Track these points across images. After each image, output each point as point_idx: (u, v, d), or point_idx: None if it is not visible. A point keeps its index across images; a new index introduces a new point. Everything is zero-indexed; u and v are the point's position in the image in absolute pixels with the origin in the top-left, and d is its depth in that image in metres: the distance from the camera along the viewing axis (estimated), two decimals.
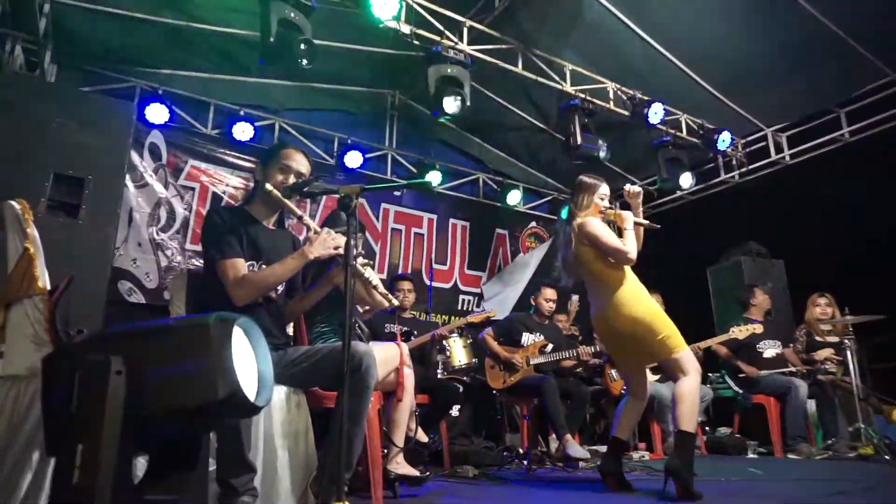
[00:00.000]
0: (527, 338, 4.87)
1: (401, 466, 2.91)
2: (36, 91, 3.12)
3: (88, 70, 5.27)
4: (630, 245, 3.08)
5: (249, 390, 1.41)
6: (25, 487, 1.54)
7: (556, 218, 8.23)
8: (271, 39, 3.75)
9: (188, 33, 5.16)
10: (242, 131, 5.82)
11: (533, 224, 8.26)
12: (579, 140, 5.24)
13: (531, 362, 4.73)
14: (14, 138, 2.99)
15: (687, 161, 6.25)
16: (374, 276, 2.36)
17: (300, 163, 2.40)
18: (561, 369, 5.05)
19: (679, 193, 7.40)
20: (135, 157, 5.38)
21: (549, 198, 8.27)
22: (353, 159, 6.39)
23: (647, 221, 3.29)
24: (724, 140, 6.19)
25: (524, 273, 7.90)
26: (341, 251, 2.22)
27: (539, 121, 6.95)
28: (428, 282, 6.97)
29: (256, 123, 5.96)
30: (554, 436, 4.90)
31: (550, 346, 4.88)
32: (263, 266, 2.29)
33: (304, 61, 3.78)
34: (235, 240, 2.22)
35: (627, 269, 3.19)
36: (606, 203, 3.31)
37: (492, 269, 7.79)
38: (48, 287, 1.78)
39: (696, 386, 2.98)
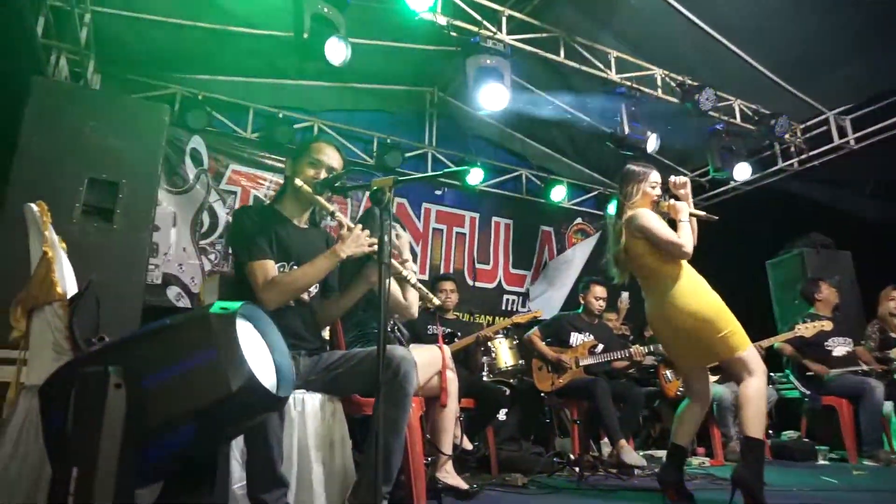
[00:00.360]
0: (575, 338, 4.66)
1: (450, 476, 2.77)
2: (68, 95, 3.12)
3: (131, 78, 5.32)
4: (685, 238, 2.86)
5: (267, 381, 1.28)
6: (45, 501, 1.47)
7: (602, 213, 7.98)
8: (305, 36, 3.66)
9: (226, 37, 5.14)
10: (282, 134, 5.79)
11: (579, 220, 8.03)
12: (626, 130, 5.00)
13: (581, 363, 4.52)
14: (48, 143, 2.98)
15: (742, 149, 5.90)
16: (412, 275, 2.22)
17: (331, 157, 2.29)
18: (612, 370, 4.81)
19: (733, 184, 7.04)
20: (176, 163, 5.45)
21: (595, 192, 8.01)
22: (393, 159, 6.29)
23: (703, 213, 3.06)
24: (782, 125, 5.82)
25: (569, 270, 7.68)
26: (368, 249, 2.09)
27: (583, 112, 6.70)
28: (471, 282, 6.86)
29: (296, 126, 5.95)
30: (606, 440, 4.68)
31: (601, 347, 4.66)
32: (294, 267, 2.19)
33: (340, 54, 3.67)
34: (264, 240, 2.12)
35: (684, 262, 2.98)
36: (658, 192, 3.09)
37: (537, 268, 7.59)
38: (68, 292, 1.71)
39: (762, 387, 2.75)
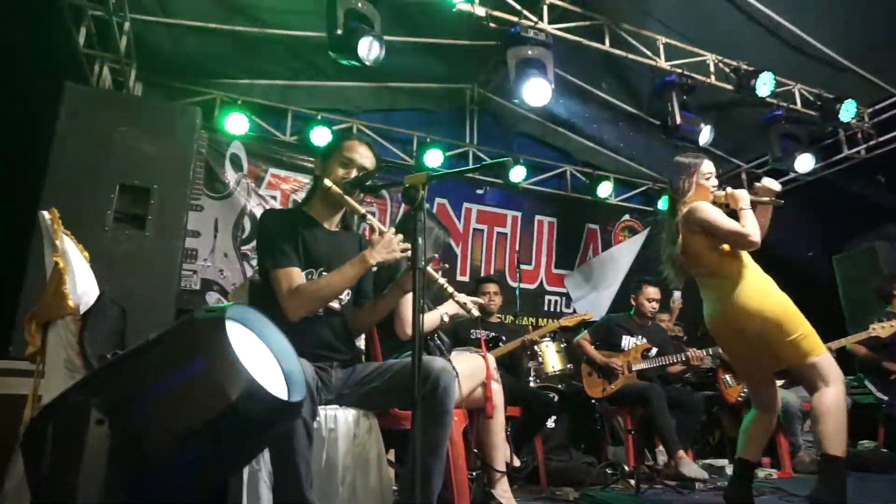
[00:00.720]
0: (627, 341, 4.41)
1: (506, 497, 2.58)
2: (100, 100, 3.08)
3: (171, 86, 5.35)
4: (751, 226, 2.61)
5: (274, 386, 1.14)
6: None
7: (651, 209, 7.66)
8: (339, 32, 3.55)
9: (263, 40, 5.11)
10: (320, 136, 5.72)
11: (626, 217, 7.71)
12: (678, 120, 4.71)
13: (633, 368, 4.27)
14: (80, 149, 2.95)
15: (804, 137, 5.52)
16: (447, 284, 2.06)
17: (363, 155, 2.14)
18: (667, 375, 4.55)
19: (792, 175, 6.61)
20: (217, 168, 5.45)
21: (644, 188, 7.68)
22: (433, 158, 6.15)
23: (767, 198, 2.81)
24: (848, 110, 5.40)
25: (616, 269, 7.37)
26: (400, 255, 1.94)
27: (630, 105, 6.42)
28: (513, 283, 6.65)
29: (334, 127, 5.87)
30: (661, 447, 4.42)
31: (654, 350, 4.40)
32: (323, 274, 2.05)
33: (373, 52, 3.53)
34: (290, 246, 2.00)
35: (748, 258, 2.73)
36: (714, 182, 2.85)
37: (579, 268, 7.33)
38: (85, 304, 1.61)
39: (841, 397, 2.49)
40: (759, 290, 2.62)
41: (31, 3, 4.19)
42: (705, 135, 4.93)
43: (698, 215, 2.70)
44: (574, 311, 7.09)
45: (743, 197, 2.71)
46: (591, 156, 7.34)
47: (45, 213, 1.70)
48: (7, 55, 4.19)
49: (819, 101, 5.54)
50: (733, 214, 2.74)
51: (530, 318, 6.73)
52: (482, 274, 6.59)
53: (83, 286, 1.64)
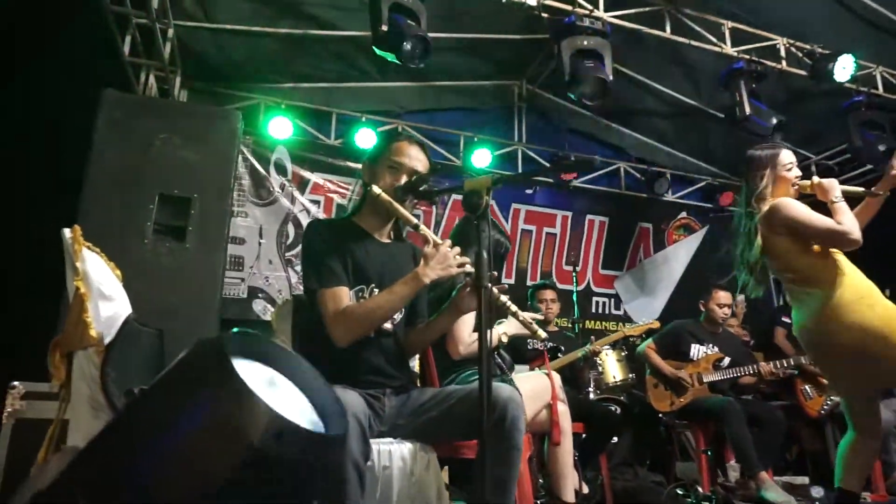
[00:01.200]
0: (697, 350, 4.08)
1: None
2: (138, 107, 2.96)
3: (215, 91, 5.29)
4: (848, 222, 2.29)
5: (305, 420, 0.93)
6: None
7: (710, 206, 7.24)
8: (383, 28, 3.36)
9: (306, 42, 5.01)
10: (365, 138, 5.57)
11: (683, 214, 7.32)
12: (747, 110, 4.33)
13: (704, 380, 3.94)
14: (117, 159, 2.83)
15: (888, 123, 5.04)
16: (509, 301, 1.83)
17: (415, 158, 1.93)
18: (738, 385, 4.20)
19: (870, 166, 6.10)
20: (262, 174, 5.37)
21: (702, 183, 7.25)
22: (481, 158, 5.93)
23: (860, 188, 2.49)
24: None
25: (670, 271, 7.00)
26: (468, 269, 1.72)
27: (688, 97, 6.05)
28: (560, 285, 6.39)
29: (378, 129, 5.72)
30: (733, 462, 4.07)
31: (727, 360, 4.06)
32: (375, 291, 1.86)
33: (413, 49, 3.33)
34: (337, 262, 1.81)
35: (845, 260, 2.41)
36: (796, 172, 2.53)
37: (630, 268, 7.00)
38: (105, 333, 1.45)
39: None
40: (860, 297, 2.31)
41: (75, 14, 4.17)
42: (777, 125, 4.51)
43: (783, 213, 2.40)
44: (623, 314, 6.82)
45: (833, 187, 2.39)
46: (646, 152, 6.98)
47: (67, 232, 1.55)
48: (53, 67, 4.20)
49: None
50: (819, 207, 2.43)
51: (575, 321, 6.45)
52: (529, 276, 6.34)
53: (110, 310, 1.47)
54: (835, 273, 2.36)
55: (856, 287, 2.35)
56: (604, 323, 6.81)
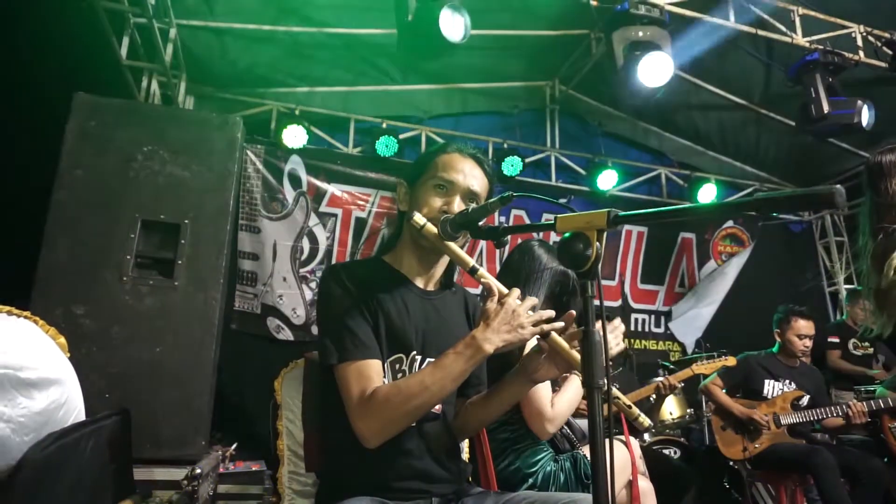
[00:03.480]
0: (771, 386, 3.53)
1: None
2: (118, 114, 2.44)
3: (224, 97, 4.88)
4: None
5: None
6: None
7: (759, 215, 6.67)
8: (409, 18, 2.89)
9: (318, 42, 4.58)
10: (386, 146, 5.12)
11: (729, 224, 6.76)
12: (825, 108, 3.78)
13: (782, 422, 3.39)
14: (92, 175, 2.33)
15: None
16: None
17: (469, 174, 1.44)
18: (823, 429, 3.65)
19: None
20: (274, 186, 4.96)
21: (750, 189, 6.69)
22: (512, 166, 5.44)
23: None
24: None
25: (718, 288, 6.47)
26: (532, 332, 1.22)
27: (737, 96, 5.51)
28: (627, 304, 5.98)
29: (401, 136, 5.26)
30: None
31: (807, 399, 3.50)
32: (417, 361, 1.36)
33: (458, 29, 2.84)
34: (366, 325, 1.32)
35: None
36: None
37: (671, 283, 6.50)
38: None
39: None
40: None
41: (65, 14, 3.76)
42: (865, 116, 3.89)
43: None
44: (665, 331, 6.32)
45: None
46: (688, 156, 6.48)
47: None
48: (43, 74, 3.80)
49: None
50: None
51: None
52: None
53: (38, 404, 0.99)
54: None
55: None
56: (644, 342, 6.35)
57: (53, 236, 2.20)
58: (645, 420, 1.29)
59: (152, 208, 2.38)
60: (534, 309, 1.25)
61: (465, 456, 1.65)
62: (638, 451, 1.96)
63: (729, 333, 6.02)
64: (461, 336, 1.29)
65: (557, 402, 1.72)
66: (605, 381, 0.89)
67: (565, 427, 1.93)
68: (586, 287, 0.91)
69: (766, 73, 5.08)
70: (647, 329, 6.37)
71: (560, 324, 1.26)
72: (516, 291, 1.25)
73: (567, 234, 0.92)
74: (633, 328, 6.29)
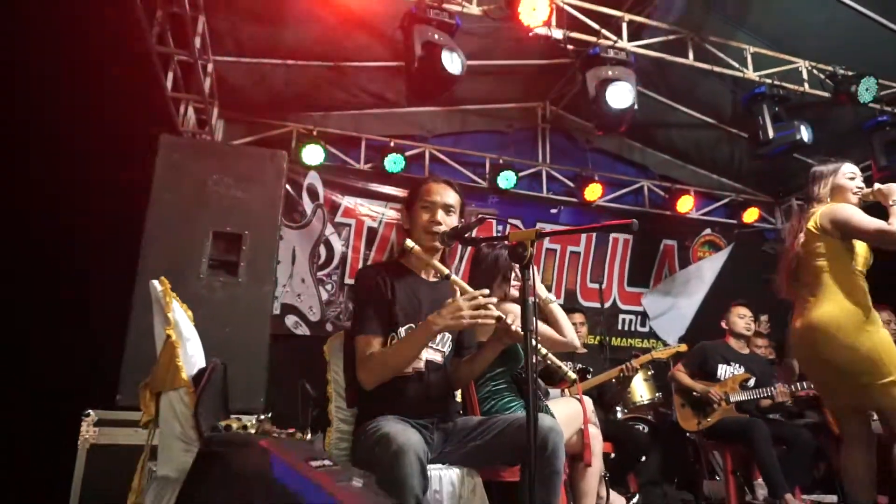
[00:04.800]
0: (724, 370, 4.15)
1: None
2: (192, 149, 3.16)
3: (251, 121, 5.52)
4: None
5: None
6: None
7: (734, 222, 7.26)
8: (415, 65, 3.53)
9: (340, 73, 5.20)
10: (393, 163, 5.75)
11: (707, 231, 7.35)
12: (771, 133, 4.42)
13: (731, 400, 4.01)
14: (176, 198, 3.04)
15: None
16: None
17: (444, 194, 2.11)
18: (765, 405, 4.25)
19: None
20: (295, 199, 5.57)
21: (727, 200, 7.29)
22: (506, 180, 6.06)
23: None
24: None
25: (696, 289, 7.04)
26: (489, 319, 1.84)
27: (710, 116, 6.14)
28: (584, 303, 6.47)
29: (407, 153, 5.89)
30: (761, 479, 4.12)
31: (753, 380, 4.12)
32: None
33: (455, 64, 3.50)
34: (378, 311, 1.99)
35: (861, 283, 2.49)
36: (859, 183, 2.64)
37: (656, 287, 7.07)
38: (196, 367, 1.62)
39: None
40: (858, 317, 2.39)
41: (120, 55, 4.41)
42: (805, 134, 4.52)
43: (835, 215, 2.50)
44: (649, 330, 6.88)
45: (893, 191, 2.49)
46: (669, 169, 7.07)
47: (157, 283, 1.73)
48: (101, 106, 4.45)
49: None
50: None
51: (600, 338, 6.55)
52: (553, 295, 6.42)
53: (192, 351, 1.64)
54: (848, 287, 2.44)
55: (857, 306, 2.41)
56: (630, 340, 6.88)
57: (149, 244, 2.89)
58: (569, 372, 1.92)
59: (220, 222, 3.10)
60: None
61: (459, 400, 2.30)
62: (590, 407, 2.59)
63: (709, 330, 6.60)
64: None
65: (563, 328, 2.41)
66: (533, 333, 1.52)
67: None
68: (525, 274, 1.53)
69: (733, 97, 5.71)
70: (633, 328, 6.90)
71: (492, 319, 1.88)
72: (470, 293, 1.89)
73: (515, 242, 1.55)
74: (620, 328, 6.84)
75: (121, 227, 3.17)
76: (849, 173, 2.64)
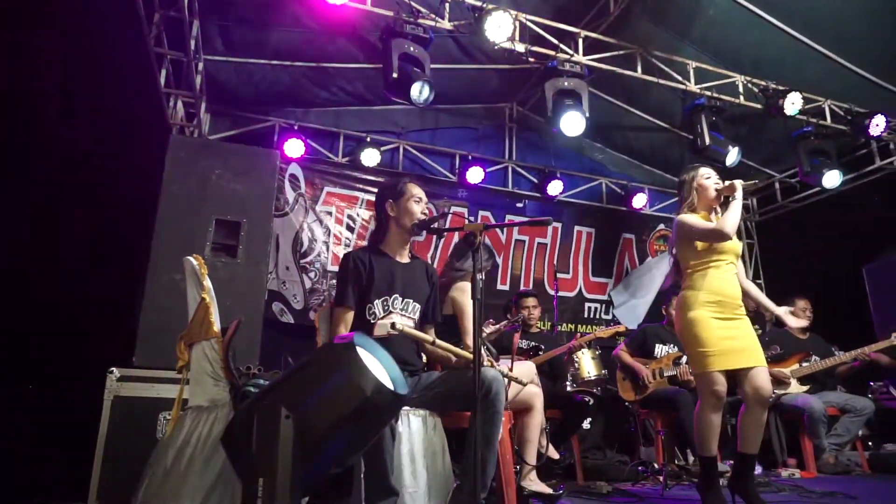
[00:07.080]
0: (660, 349, 4.73)
1: (534, 483, 3.00)
2: (197, 148, 3.62)
3: (236, 115, 5.90)
4: (727, 219, 2.83)
5: (388, 385, 1.61)
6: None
7: None
8: (394, 76, 3.99)
9: (322, 74, 5.61)
10: (370, 157, 6.18)
11: (661, 227, 7.96)
12: (707, 141, 5.00)
13: (664, 374, 4.59)
14: (184, 190, 3.49)
15: (833, 150, 5.72)
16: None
17: (422, 192, 2.64)
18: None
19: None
20: (278, 189, 5.94)
21: (678, 198, 7.87)
22: (475, 175, 6.54)
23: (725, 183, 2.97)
24: (878, 124, 5.57)
25: (651, 279, 7.63)
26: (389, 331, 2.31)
27: (663, 120, 6.71)
28: (552, 291, 6.98)
29: (382, 148, 6.32)
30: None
31: (685, 358, 4.70)
32: (397, 298, 2.50)
33: (423, 95, 4.01)
34: (354, 288, 2.48)
35: (721, 276, 2.94)
36: (714, 180, 3.03)
37: (618, 275, 7.64)
38: (219, 330, 2.08)
39: (702, 411, 2.87)
40: (695, 298, 2.89)
41: (117, 54, 4.77)
42: (732, 156, 5.18)
43: (681, 229, 2.99)
44: (612, 318, 7.43)
45: (733, 187, 2.90)
46: (626, 168, 7.64)
47: (192, 259, 2.17)
48: (98, 100, 4.82)
49: (849, 115, 5.73)
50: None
51: (569, 325, 7.10)
52: (522, 283, 6.95)
53: (216, 312, 2.11)
54: (702, 271, 2.92)
55: (698, 288, 2.89)
56: (594, 326, 7.32)
57: (161, 230, 3.34)
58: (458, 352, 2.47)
59: (222, 211, 3.55)
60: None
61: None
62: (533, 369, 3.12)
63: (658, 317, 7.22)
64: (423, 287, 2.54)
65: None
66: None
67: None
68: (475, 258, 2.02)
69: (683, 103, 6.27)
70: (598, 316, 7.40)
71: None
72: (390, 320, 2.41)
73: (468, 231, 2.04)
74: (586, 315, 7.36)
75: (135, 212, 3.63)
76: (706, 174, 3.05)
